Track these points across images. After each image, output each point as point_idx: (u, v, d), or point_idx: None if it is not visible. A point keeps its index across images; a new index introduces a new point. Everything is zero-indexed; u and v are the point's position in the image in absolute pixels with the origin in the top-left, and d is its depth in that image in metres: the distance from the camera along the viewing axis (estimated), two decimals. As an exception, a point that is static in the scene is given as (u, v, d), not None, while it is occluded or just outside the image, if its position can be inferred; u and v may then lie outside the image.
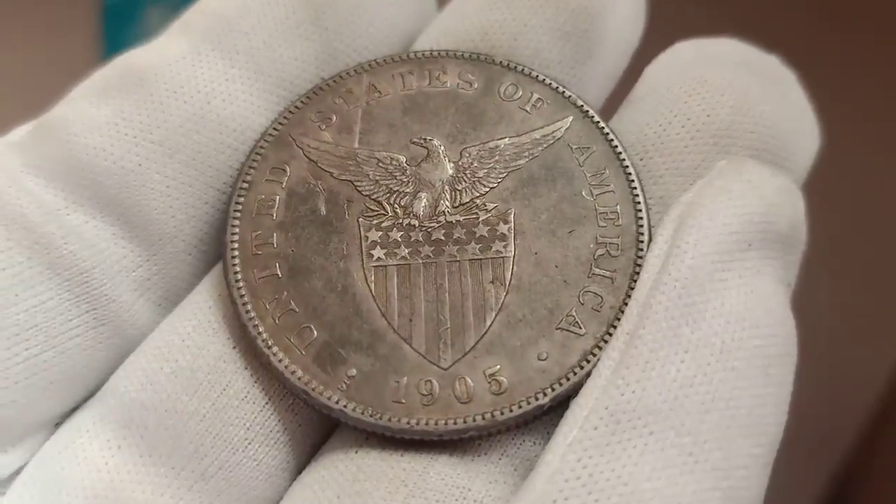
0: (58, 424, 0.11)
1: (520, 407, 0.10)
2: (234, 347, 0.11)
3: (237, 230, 0.11)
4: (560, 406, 0.10)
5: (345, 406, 0.10)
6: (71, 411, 0.11)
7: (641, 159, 0.11)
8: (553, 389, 0.10)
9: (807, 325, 0.42)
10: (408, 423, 0.10)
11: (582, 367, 0.10)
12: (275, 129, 0.11)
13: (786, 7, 0.48)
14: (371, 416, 0.10)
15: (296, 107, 0.11)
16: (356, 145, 0.11)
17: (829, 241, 0.45)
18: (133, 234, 0.11)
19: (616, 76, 0.13)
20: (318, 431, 0.11)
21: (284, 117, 0.11)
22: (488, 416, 0.10)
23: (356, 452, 0.10)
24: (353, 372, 0.10)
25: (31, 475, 0.11)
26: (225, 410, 0.10)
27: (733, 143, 0.11)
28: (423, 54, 0.12)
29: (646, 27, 0.13)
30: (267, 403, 0.11)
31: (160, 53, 0.11)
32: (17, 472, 0.11)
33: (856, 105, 0.48)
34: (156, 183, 0.11)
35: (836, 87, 0.51)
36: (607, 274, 0.10)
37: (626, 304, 0.10)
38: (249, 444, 0.10)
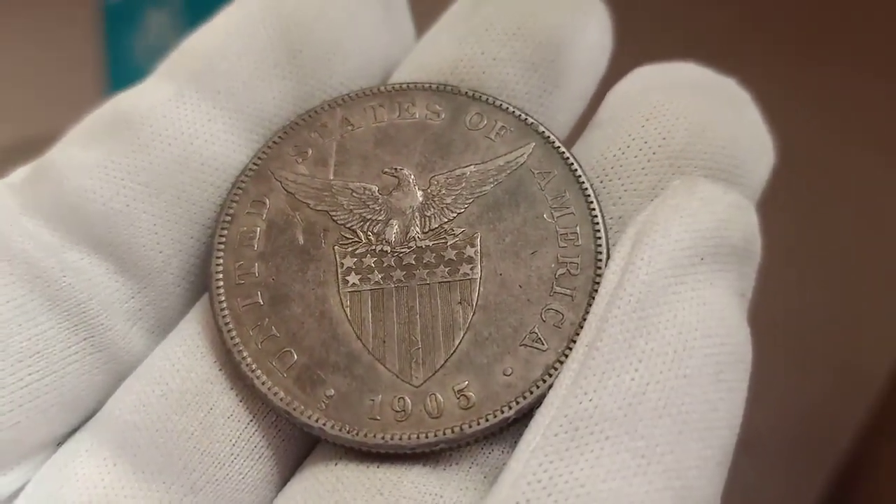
0: (58, 445, 0.12)
1: (487, 420, 0.11)
2: (220, 370, 0.11)
3: (221, 262, 0.12)
4: (525, 417, 0.10)
5: (324, 424, 0.11)
6: (70, 433, 0.12)
7: (601, 181, 0.12)
8: (517, 403, 0.11)
9: (807, 327, 0.42)
10: (382, 438, 0.11)
11: (544, 381, 0.11)
12: (254, 163, 0.12)
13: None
14: (348, 433, 0.11)
15: (274, 142, 0.12)
16: (331, 177, 0.12)
17: (828, 243, 0.44)
18: (124, 269, 0.12)
19: (584, 102, 0.13)
20: (300, 446, 0.12)
21: (263, 152, 0.12)
22: (457, 429, 0.10)
23: (335, 465, 0.11)
24: (332, 392, 0.11)
25: (31, 494, 0.11)
26: (212, 429, 0.11)
27: (689, 164, 0.12)
28: (392, 87, 0.13)
29: (613, 53, 0.14)
30: (251, 421, 0.11)
31: (147, 97, 0.12)
32: (17, 493, 0.11)
33: (857, 104, 0.46)
34: (143, 222, 0.12)
35: (836, 85, 0.50)
36: (567, 292, 0.11)
37: (585, 320, 0.11)
38: (235, 459, 0.11)
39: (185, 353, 0.12)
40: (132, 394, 0.11)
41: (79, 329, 0.11)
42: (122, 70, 0.49)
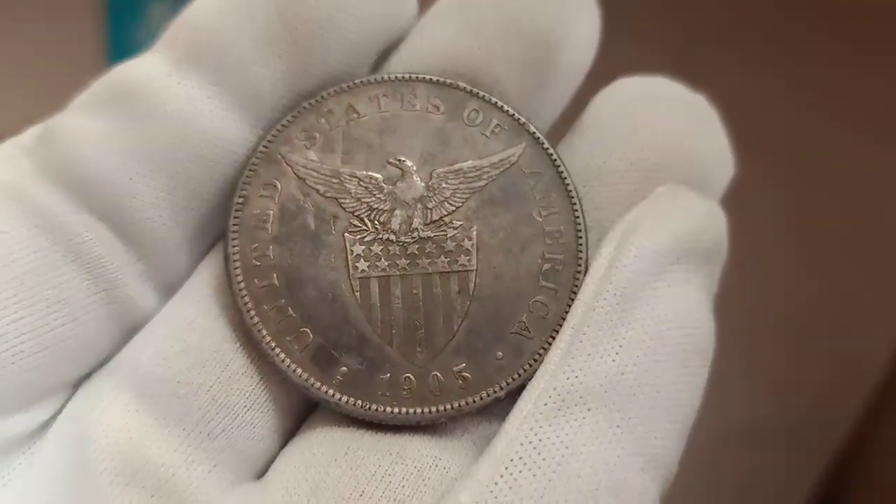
0: (74, 387, 0.13)
1: (481, 399, 0.12)
2: (233, 331, 0.13)
3: (237, 244, 0.12)
4: (512, 396, 0.12)
5: (339, 399, 0.12)
6: (85, 376, 0.13)
7: (584, 186, 0.13)
8: (507, 384, 0.12)
9: (805, 316, 0.43)
10: (391, 412, 0.12)
11: (530, 365, 0.12)
12: (264, 146, 0.13)
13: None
14: (361, 407, 0.12)
15: (282, 125, 0.13)
16: (339, 164, 0.13)
17: (826, 233, 0.46)
18: (128, 236, 0.12)
19: (567, 99, 0.14)
20: (302, 404, 0.13)
21: (272, 135, 0.13)
22: (456, 405, 0.12)
23: (346, 427, 0.12)
24: (345, 370, 0.12)
25: (59, 435, 0.12)
26: (227, 383, 0.12)
27: (663, 175, 0.13)
28: (396, 77, 0.13)
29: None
30: (262, 379, 0.13)
31: (146, 70, 0.12)
32: (41, 428, 0.12)
33: (857, 103, 0.47)
34: (146, 196, 0.12)
35: (836, 75, 0.50)
36: (552, 286, 0.13)
37: (566, 312, 0.12)
38: (248, 410, 0.12)
39: (201, 314, 0.13)
40: (151, 347, 0.13)
41: (98, 281, 0.12)
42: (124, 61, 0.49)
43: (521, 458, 0.11)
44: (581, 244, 0.13)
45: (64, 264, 0.12)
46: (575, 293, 0.12)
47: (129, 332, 0.13)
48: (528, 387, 0.12)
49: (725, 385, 0.38)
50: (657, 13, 0.53)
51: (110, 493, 0.12)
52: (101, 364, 0.13)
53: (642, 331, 0.12)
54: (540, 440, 0.11)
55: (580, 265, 0.13)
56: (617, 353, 0.11)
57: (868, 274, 0.41)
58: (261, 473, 0.13)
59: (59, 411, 0.13)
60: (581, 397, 0.11)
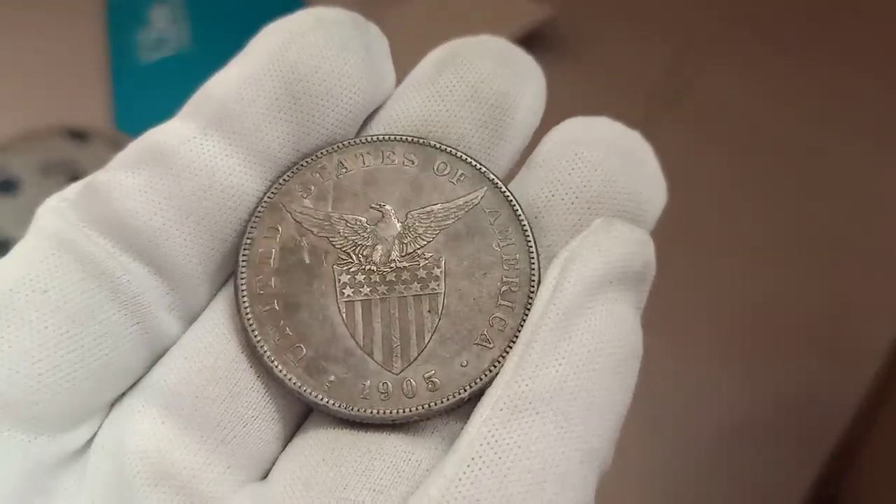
0: (111, 406, 0.15)
1: (448, 399, 0.14)
2: (242, 353, 0.15)
3: (244, 276, 0.15)
4: (475, 398, 0.14)
5: (327, 402, 0.14)
6: (120, 396, 0.15)
7: (535, 217, 0.15)
8: (471, 387, 0.14)
9: (799, 312, 0.44)
10: (370, 412, 0.14)
11: (491, 370, 0.14)
12: (268, 197, 0.15)
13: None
14: (345, 408, 0.14)
15: (283, 180, 0.15)
16: (330, 210, 0.16)
17: (818, 230, 0.46)
18: (161, 272, 0.15)
19: (520, 150, 0.17)
20: (299, 414, 0.15)
21: (275, 188, 0.15)
22: (426, 406, 0.14)
23: (333, 430, 0.15)
24: (332, 378, 0.15)
25: (101, 445, 0.15)
26: (238, 397, 0.15)
27: (602, 206, 0.15)
28: (377, 138, 0.16)
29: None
30: (266, 392, 0.15)
31: (176, 134, 0.15)
32: (87, 443, 0.15)
33: (844, 96, 0.49)
34: (176, 238, 0.15)
35: (826, 78, 0.52)
36: (509, 304, 0.15)
37: (521, 326, 0.15)
38: (255, 420, 0.15)
39: (215, 339, 0.15)
40: (174, 368, 0.15)
41: (134, 315, 0.15)
42: (126, 64, 0.51)
43: (480, 456, 0.13)
44: (533, 269, 0.15)
45: (107, 302, 0.14)
46: (529, 309, 0.15)
47: (158, 355, 0.15)
48: (486, 394, 0.14)
49: (722, 383, 0.40)
50: (655, 14, 0.53)
51: (142, 494, 0.14)
52: (133, 384, 0.15)
53: (580, 344, 0.13)
54: (497, 441, 0.13)
55: (533, 286, 0.15)
56: (560, 365, 0.13)
57: (864, 273, 0.42)
58: (266, 473, 0.15)
59: (99, 428, 0.15)
60: (531, 403, 0.13)
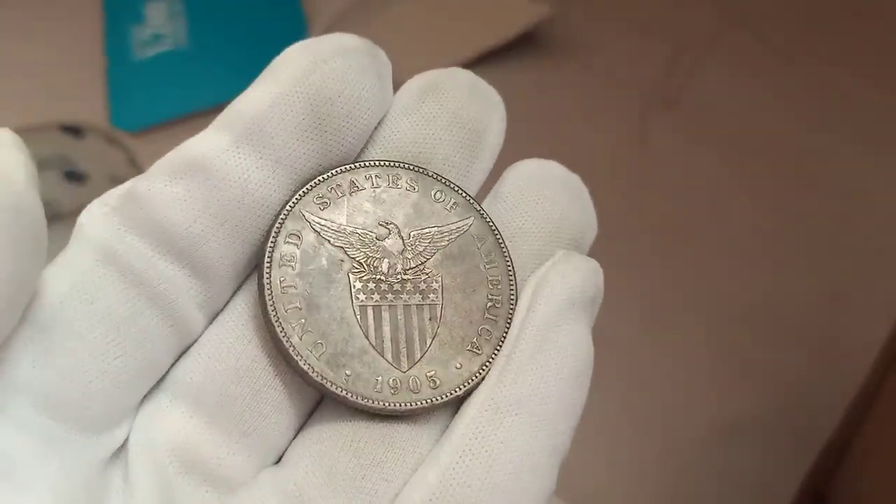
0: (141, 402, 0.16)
1: (446, 396, 0.17)
2: (262, 352, 0.17)
3: (269, 276, 0.17)
4: (468, 395, 0.17)
5: (347, 394, 0.16)
6: (148, 393, 0.16)
7: (509, 241, 0.18)
8: (464, 386, 0.17)
9: (790, 311, 0.45)
10: (383, 404, 0.16)
11: (480, 373, 0.17)
12: (290, 206, 0.17)
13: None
14: (362, 400, 0.16)
15: (302, 192, 0.17)
16: (345, 223, 0.17)
17: (809, 229, 0.45)
18: (197, 275, 0.16)
19: (489, 169, 0.19)
20: (311, 404, 0.17)
21: (295, 199, 0.17)
22: (429, 400, 0.17)
23: (350, 421, 0.17)
24: (350, 373, 0.16)
25: (136, 441, 0.16)
26: (258, 393, 0.16)
27: (560, 236, 0.18)
28: (384, 163, 0.18)
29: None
30: (283, 388, 0.17)
31: (211, 146, 0.16)
32: (125, 442, 0.16)
33: (851, 104, 0.49)
34: (212, 243, 0.16)
35: (832, 85, 0.51)
36: (493, 318, 0.18)
37: (503, 337, 0.17)
38: (273, 413, 0.16)
39: (237, 339, 0.17)
40: (200, 366, 0.16)
41: (170, 318, 0.16)
42: (121, 61, 0.50)
43: (471, 449, 0.15)
44: (512, 289, 0.18)
45: (147, 308, 0.16)
46: (509, 323, 0.17)
47: (184, 350, 0.17)
48: (473, 395, 0.16)
49: (715, 381, 0.41)
50: (652, 15, 0.54)
51: (175, 482, 0.15)
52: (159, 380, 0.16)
53: (550, 358, 0.16)
54: (484, 437, 0.15)
55: (512, 303, 0.18)
56: (534, 374, 0.16)
57: (856, 273, 0.42)
58: (278, 457, 0.17)
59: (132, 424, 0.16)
60: (511, 406, 0.16)
